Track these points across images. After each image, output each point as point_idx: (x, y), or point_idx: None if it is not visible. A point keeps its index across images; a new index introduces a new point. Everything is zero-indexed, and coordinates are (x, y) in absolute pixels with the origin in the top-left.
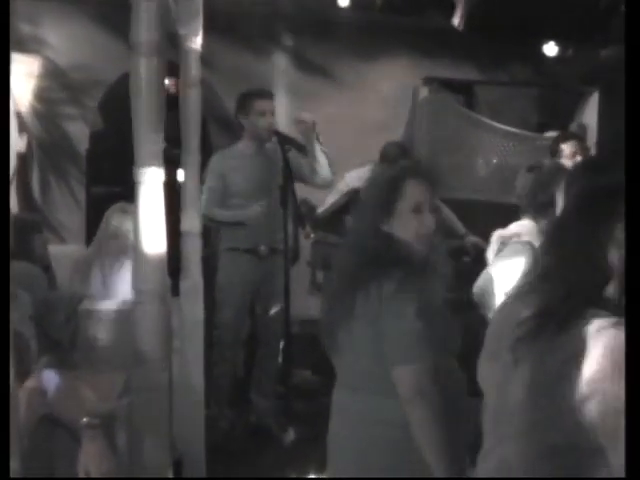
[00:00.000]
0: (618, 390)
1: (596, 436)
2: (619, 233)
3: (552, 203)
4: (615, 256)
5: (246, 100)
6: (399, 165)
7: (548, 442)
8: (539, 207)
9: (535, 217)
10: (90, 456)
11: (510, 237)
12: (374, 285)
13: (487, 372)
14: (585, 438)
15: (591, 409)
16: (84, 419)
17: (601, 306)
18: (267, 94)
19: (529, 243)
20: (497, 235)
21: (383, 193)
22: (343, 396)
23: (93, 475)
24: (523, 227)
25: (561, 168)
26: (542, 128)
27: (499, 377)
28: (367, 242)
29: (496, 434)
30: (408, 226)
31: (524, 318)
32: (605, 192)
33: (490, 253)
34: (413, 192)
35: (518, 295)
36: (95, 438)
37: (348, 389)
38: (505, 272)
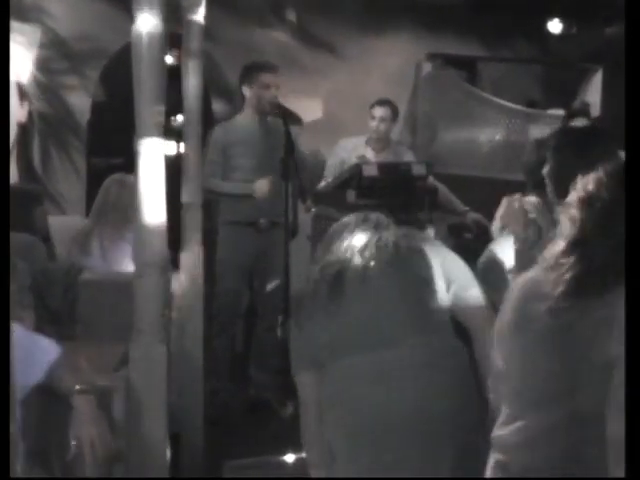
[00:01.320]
0: None
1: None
2: None
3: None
4: None
5: (251, 72)
6: None
7: (576, 410)
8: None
9: (541, 193)
10: (81, 422)
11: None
12: None
13: (510, 343)
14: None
15: (617, 372)
16: (77, 386)
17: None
18: (272, 67)
19: (534, 221)
20: (500, 213)
21: None
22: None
23: (84, 440)
24: (528, 204)
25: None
26: (546, 105)
27: (527, 347)
28: None
29: (519, 404)
30: None
31: (564, 281)
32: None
33: (495, 230)
34: None
35: (545, 268)
36: (86, 404)
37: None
38: (509, 249)
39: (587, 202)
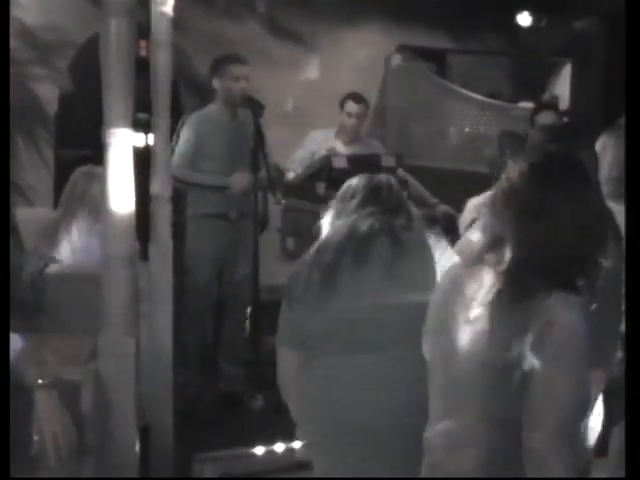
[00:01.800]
0: (562, 368)
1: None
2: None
3: None
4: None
5: (221, 64)
6: None
7: (494, 414)
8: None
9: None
10: (44, 417)
11: (481, 206)
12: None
13: (435, 344)
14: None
15: (531, 385)
16: (39, 380)
17: (556, 281)
18: (242, 59)
19: None
20: (472, 204)
21: None
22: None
23: (46, 435)
24: None
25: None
26: (514, 98)
27: (447, 347)
28: None
29: (443, 403)
30: None
31: (487, 287)
32: (570, 159)
33: (462, 222)
34: None
35: (467, 267)
36: (49, 399)
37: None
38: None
39: (509, 195)
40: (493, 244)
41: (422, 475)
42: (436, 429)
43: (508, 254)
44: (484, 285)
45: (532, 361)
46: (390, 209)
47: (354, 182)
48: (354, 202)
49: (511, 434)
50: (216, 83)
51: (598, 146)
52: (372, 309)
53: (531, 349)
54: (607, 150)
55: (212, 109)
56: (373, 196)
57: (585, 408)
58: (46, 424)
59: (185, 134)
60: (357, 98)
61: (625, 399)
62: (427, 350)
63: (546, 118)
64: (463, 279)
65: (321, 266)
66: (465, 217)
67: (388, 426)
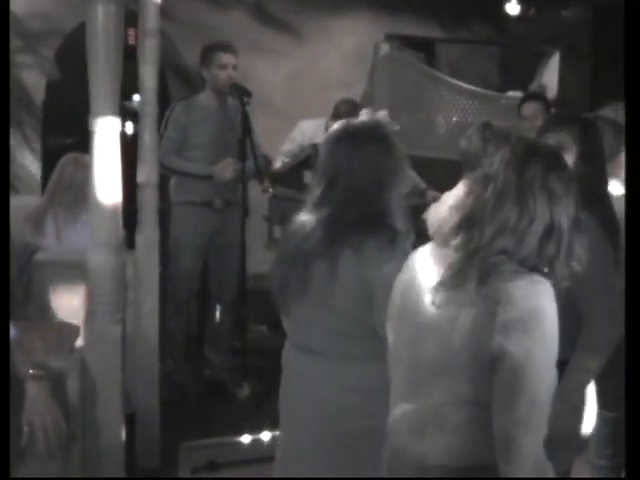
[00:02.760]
0: (530, 350)
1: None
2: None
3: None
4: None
5: (208, 53)
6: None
7: (463, 397)
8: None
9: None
10: (34, 407)
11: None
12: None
13: (400, 327)
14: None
15: (500, 368)
16: (29, 370)
17: (528, 265)
18: (229, 48)
19: None
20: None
21: None
22: (300, 358)
23: (37, 427)
24: None
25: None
26: (503, 87)
27: (411, 332)
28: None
29: (406, 386)
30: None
31: (453, 270)
32: (552, 151)
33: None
34: None
35: (435, 248)
36: (39, 389)
37: (307, 352)
38: None
39: (487, 179)
40: (464, 225)
41: (384, 460)
42: (399, 413)
43: (477, 234)
44: (450, 268)
45: (500, 344)
46: None
47: None
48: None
49: (479, 416)
50: (205, 72)
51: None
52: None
53: (499, 331)
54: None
55: (201, 97)
56: None
57: (552, 391)
58: (36, 416)
59: (173, 121)
60: (355, 112)
61: (625, 399)
62: (390, 333)
63: (533, 108)
64: (431, 263)
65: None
66: None
67: (323, 426)
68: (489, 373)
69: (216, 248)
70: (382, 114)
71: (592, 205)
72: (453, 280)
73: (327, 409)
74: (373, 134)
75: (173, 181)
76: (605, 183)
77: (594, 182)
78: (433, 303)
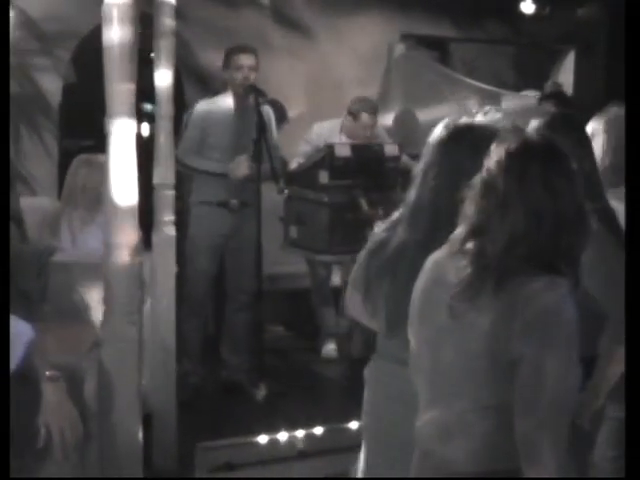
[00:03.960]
0: (550, 352)
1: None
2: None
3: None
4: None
5: (228, 55)
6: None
7: (483, 404)
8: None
9: None
10: (50, 409)
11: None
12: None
13: (420, 332)
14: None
15: (520, 370)
16: (46, 372)
17: (539, 266)
18: (247, 49)
19: None
20: None
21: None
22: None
23: (53, 429)
24: None
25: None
26: (518, 86)
27: (431, 338)
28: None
29: (431, 393)
30: None
31: (470, 274)
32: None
33: None
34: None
35: (450, 252)
36: (56, 391)
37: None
38: None
39: (487, 186)
40: (473, 234)
41: (413, 465)
42: (426, 418)
43: (489, 243)
44: (466, 280)
45: (520, 346)
46: None
47: None
48: None
49: (502, 421)
50: (225, 74)
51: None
52: None
53: (518, 334)
54: (597, 138)
55: (222, 98)
56: None
57: (575, 392)
58: (53, 417)
59: (192, 121)
60: (371, 108)
61: (625, 399)
62: (412, 339)
63: (549, 108)
64: (446, 267)
65: None
66: None
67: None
68: (509, 376)
69: (232, 249)
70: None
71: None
72: (470, 291)
73: None
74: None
75: (192, 181)
76: (600, 180)
77: (593, 180)
78: (452, 313)
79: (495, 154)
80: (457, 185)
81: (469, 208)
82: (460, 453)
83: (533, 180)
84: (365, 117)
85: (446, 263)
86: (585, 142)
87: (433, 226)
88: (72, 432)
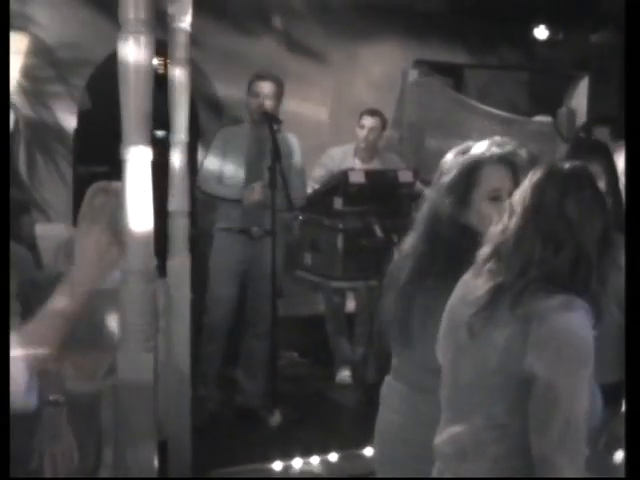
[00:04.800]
0: (564, 371)
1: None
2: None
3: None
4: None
5: (250, 82)
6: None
7: (497, 423)
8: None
9: None
10: (47, 435)
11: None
12: (451, 277)
13: (444, 349)
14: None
15: (534, 388)
16: (50, 396)
17: (557, 286)
18: (266, 76)
19: None
20: None
21: (459, 181)
22: (399, 390)
23: (46, 455)
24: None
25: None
26: (531, 112)
27: (451, 355)
28: (444, 236)
29: (450, 411)
30: (485, 215)
31: (488, 293)
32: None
33: None
34: (490, 178)
35: (474, 276)
36: (55, 416)
37: (407, 385)
38: None
39: (510, 210)
40: (494, 255)
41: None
42: (445, 435)
43: (505, 265)
44: (486, 291)
45: (533, 364)
46: None
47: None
48: None
49: (517, 444)
50: (247, 102)
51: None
52: None
53: (532, 351)
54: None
55: (241, 126)
56: None
57: (590, 411)
58: (48, 442)
59: (215, 149)
60: (373, 112)
61: (625, 399)
62: (439, 355)
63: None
64: (469, 287)
65: None
66: None
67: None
68: (524, 395)
69: (254, 276)
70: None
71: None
72: (486, 310)
73: None
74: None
75: (215, 209)
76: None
77: (618, 211)
78: (470, 331)
79: (526, 180)
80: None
81: (494, 229)
82: (473, 473)
83: (550, 209)
84: (367, 120)
85: (470, 283)
86: (612, 170)
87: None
88: (64, 459)
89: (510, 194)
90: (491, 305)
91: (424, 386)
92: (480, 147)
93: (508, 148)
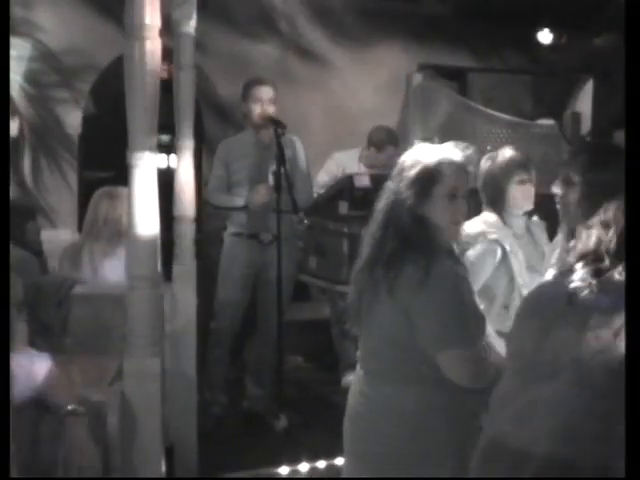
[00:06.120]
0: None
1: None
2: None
3: (504, 195)
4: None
5: (247, 88)
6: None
7: (579, 380)
8: (496, 198)
9: (493, 208)
10: (72, 444)
11: (476, 236)
12: (408, 269)
13: (526, 326)
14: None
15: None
16: (69, 406)
17: None
18: (265, 81)
19: (497, 241)
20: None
21: (422, 177)
22: (361, 383)
23: (72, 464)
24: (487, 223)
25: (515, 159)
26: (536, 115)
27: (544, 325)
28: (401, 224)
29: (520, 379)
30: (442, 211)
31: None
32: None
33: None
34: (451, 178)
35: (560, 273)
36: (78, 427)
37: (366, 375)
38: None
39: (605, 225)
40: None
41: (480, 454)
42: (514, 401)
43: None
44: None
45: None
46: None
47: None
48: None
49: (591, 406)
50: (244, 107)
51: None
52: None
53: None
54: None
55: (243, 133)
56: None
57: None
58: (73, 452)
59: (217, 159)
60: (395, 140)
61: (625, 399)
62: (511, 341)
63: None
64: (560, 283)
65: None
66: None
67: None
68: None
69: (263, 281)
70: None
71: None
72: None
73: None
74: None
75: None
76: None
77: None
78: (569, 298)
79: (614, 203)
80: None
81: (587, 238)
82: (540, 433)
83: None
84: (390, 149)
85: (559, 277)
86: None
87: None
88: (89, 468)
89: (464, 193)
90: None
91: (372, 369)
92: (445, 149)
93: (468, 152)
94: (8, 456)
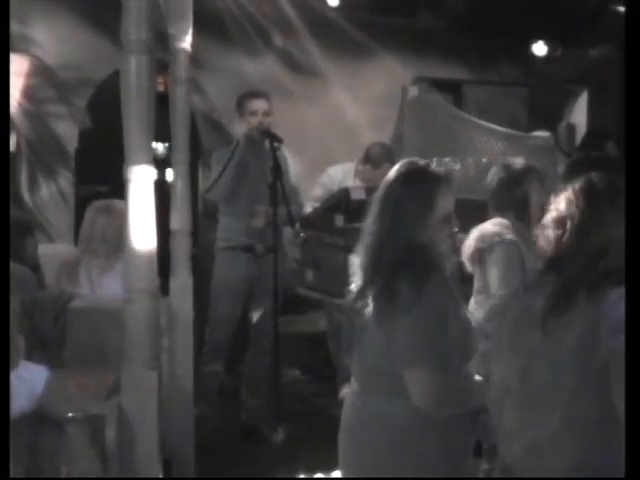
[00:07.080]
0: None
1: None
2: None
3: (526, 201)
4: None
5: (241, 101)
6: (431, 178)
7: (580, 416)
8: (512, 205)
9: (506, 214)
10: (74, 452)
11: (492, 236)
12: (400, 290)
13: (509, 363)
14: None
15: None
16: (69, 414)
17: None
18: (259, 94)
19: (514, 242)
20: (478, 232)
21: (419, 207)
22: (355, 396)
23: (74, 473)
24: (501, 225)
25: (531, 168)
26: (531, 127)
27: (523, 362)
28: (396, 249)
29: (521, 417)
30: (438, 234)
31: (550, 292)
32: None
33: (466, 250)
34: (445, 202)
35: (530, 287)
36: (80, 434)
37: (360, 389)
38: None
39: (559, 221)
40: (550, 267)
41: None
42: (517, 440)
43: (564, 273)
44: (549, 300)
45: (610, 344)
46: None
47: None
48: None
49: (593, 438)
50: (239, 120)
51: None
52: None
53: (608, 335)
54: None
55: (232, 145)
56: None
57: None
58: (76, 461)
59: (216, 162)
60: (392, 157)
61: (625, 399)
62: (498, 375)
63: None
64: (531, 306)
65: None
66: (470, 244)
67: None
68: (604, 384)
69: (257, 293)
70: None
71: None
72: (558, 308)
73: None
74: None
75: (216, 228)
76: None
77: None
78: (542, 329)
79: (563, 195)
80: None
81: (542, 247)
82: (550, 468)
83: (601, 211)
84: (386, 167)
85: (528, 302)
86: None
87: None
88: (92, 475)
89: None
90: (562, 303)
91: (365, 384)
92: (433, 170)
93: (451, 165)
94: (8, 456)
